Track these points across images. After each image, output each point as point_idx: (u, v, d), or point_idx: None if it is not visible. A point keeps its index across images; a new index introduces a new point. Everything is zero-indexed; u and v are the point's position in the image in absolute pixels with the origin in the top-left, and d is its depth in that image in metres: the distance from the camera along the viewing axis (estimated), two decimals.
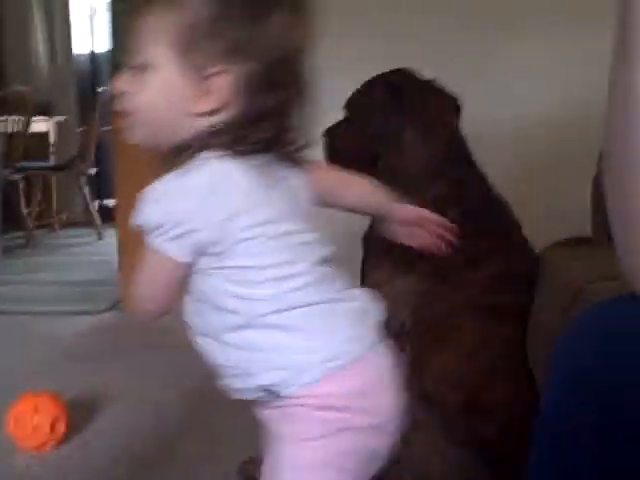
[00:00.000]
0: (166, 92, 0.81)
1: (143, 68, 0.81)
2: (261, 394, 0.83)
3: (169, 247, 0.80)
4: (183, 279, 0.84)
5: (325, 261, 0.85)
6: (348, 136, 1.50)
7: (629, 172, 0.63)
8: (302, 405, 0.81)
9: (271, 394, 0.83)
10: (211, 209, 0.78)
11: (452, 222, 1.34)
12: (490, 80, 2.59)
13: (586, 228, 1.48)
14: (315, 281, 0.83)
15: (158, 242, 0.80)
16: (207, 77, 0.79)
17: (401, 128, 1.43)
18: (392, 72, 1.51)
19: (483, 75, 2.58)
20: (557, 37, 2.48)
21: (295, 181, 0.86)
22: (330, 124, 1.54)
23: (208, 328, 0.85)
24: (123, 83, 0.83)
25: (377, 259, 1.41)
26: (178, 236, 0.79)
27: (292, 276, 0.81)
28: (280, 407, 0.83)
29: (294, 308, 0.81)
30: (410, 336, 1.34)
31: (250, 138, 0.80)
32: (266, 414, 0.87)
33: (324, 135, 1.53)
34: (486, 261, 1.35)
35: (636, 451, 0.61)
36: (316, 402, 0.80)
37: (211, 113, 0.80)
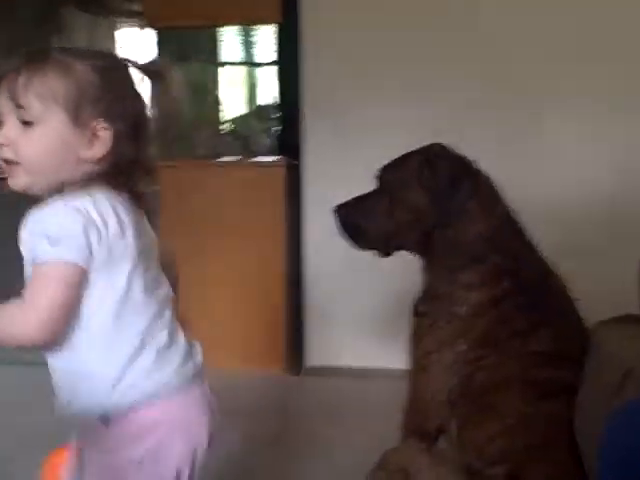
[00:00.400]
0: (54, 144, 0.93)
1: (29, 123, 0.92)
2: None
3: None
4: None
5: None
6: (394, 209, 1.49)
7: None
8: None
9: None
10: None
11: (506, 292, 1.36)
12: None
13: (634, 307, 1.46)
14: None
15: None
16: (92, 131, 0.93)
17: (467, 200, 1.43)
18: (433, 147, 1.50)
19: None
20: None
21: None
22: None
23: None
24: (7, 136, 0.92)
25: (428, 326, 1.41)
26: None
27: None
28: None
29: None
30: (456, 406, 1.34)
31: (121, 180, 0.96)
32: None
33: (342, 213, 1.54)
34: (536, 334, 1.35)
35: None
36: None
37: (96, 160, 0.94)
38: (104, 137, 0.94)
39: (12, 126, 0.92)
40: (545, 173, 2.62)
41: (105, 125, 0.94)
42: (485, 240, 1.39)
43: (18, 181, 0.94)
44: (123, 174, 0.96)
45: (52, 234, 0.88)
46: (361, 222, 1.51)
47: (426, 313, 1.43)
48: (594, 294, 2.18)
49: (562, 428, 1.25)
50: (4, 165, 0.94)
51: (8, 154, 0.93)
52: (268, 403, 2.41)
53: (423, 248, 1.46)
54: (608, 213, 2.48)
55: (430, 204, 1.42)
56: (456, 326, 1.37)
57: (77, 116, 0.92)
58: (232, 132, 3.84)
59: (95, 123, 0.93)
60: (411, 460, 1.28)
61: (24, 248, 0.92)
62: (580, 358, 1.33)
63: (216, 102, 6.55)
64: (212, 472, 1.26)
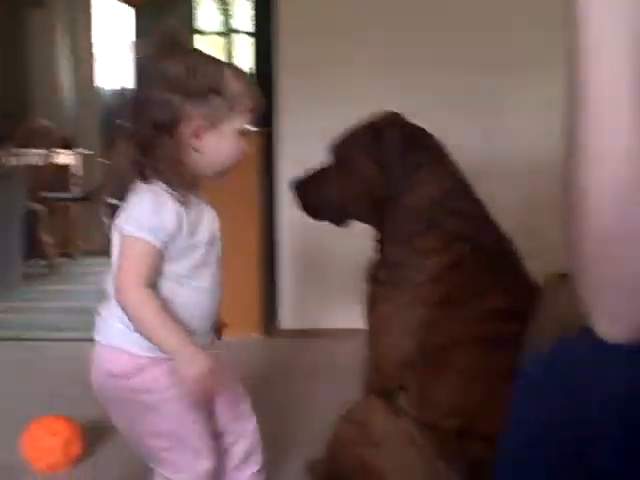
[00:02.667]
0: None
1: None
2: None
3: None
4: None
5: None
6: (345, 181, 1.52)
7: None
8: None
9: None
10: None
11: (462, 256, 1.40)
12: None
13: None
14: None
15: None
16: None
17: (416, 167, 1.46)
18: (384, 117, 1.52)
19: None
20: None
21: None
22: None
23: None
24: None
25: (385, 293, 1.45)
26: None
27: None
28: None
29: None
30: (414, 366, 1.39)
31: None
32: None
33: (298, 187, 1.58)
34: (490, 293, 1.39)
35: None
36: None
37: None
38: None
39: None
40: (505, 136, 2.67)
41: None
42: (438, 205, 1.43)
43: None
44: None
45: None
46: (314, 195, 1.54)
47: (384, 281, 1.47)
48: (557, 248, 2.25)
49: (513, 380, 1.30)
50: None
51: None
52: (246, 364, 2.48)
53: (376, 218, 1.50)
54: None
55: (379, 175, 1.45)
56: (413, 292, 1.41)
57: None
58: None
59: None
60: (371, 413, 1.33)
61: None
62: (532, 313, 1.38)
63: None
64: None
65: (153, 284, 1.16)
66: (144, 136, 1.14)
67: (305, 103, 2.88)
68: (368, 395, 1.42)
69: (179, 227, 1.16)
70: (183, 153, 1.16)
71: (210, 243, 1.24)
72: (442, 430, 1.28)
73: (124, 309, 1.14)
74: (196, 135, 1.16)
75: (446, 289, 1.40)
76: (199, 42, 6.34)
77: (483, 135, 2.66)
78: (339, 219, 1.57)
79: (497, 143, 2.67)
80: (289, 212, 2.89)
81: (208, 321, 1.27)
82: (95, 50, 5.98)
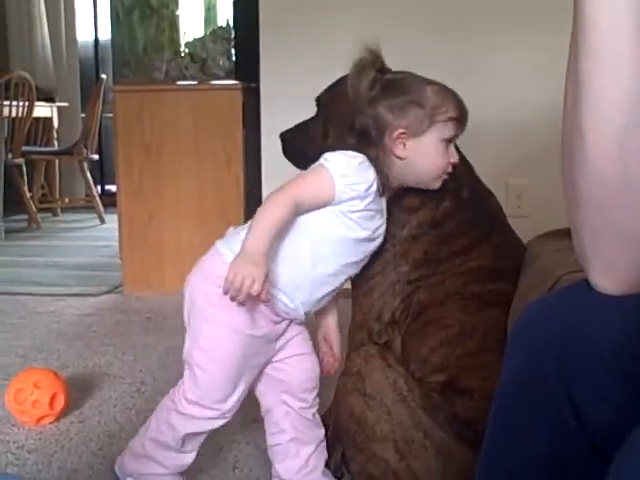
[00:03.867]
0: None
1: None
2: None
3: None
4: None
5: None
6: (329, 132, 1.49)
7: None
8: None
9: None
10: None
11: (447, 213, 1.40)
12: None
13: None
14: None
15: None
16: None
17: None
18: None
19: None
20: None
21: None
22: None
23: None
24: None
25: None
26: None
27: None
28: None
29: None
30: (400, 324, 1.40)
31: None
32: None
33: (288, 137, 1.56)
34: (476, 250, 1.40)
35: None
36: None
37: None
38: None
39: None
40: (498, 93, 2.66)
41: None
42: None
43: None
44: None
45: None
46: (301, 145, 1.53)
47: None
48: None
49: (498, 336, 1.32)
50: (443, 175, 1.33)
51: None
52: None
53: None
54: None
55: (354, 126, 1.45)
56: (398, 248, 1.41)
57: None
58: (190, 55, 3.78)
59: None
60: (364, 363, 1.34)
61: None
62: (517, 271, 1.40)
63: (173, 25, 6.36)
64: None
65: (299, 212, 1.24)
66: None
67: (288, 56, 2.84)
68: (362, 348, 1.42)
69: (362, 195, 1.25)
70: (389, 161, 1.28)
71: (362, 241, 1.30)
72: (427, 385, 1.29)
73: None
74: (399, 143, 1.27)
75: (430, 246, 1.41)
76: None
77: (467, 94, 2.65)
78: None
79: (482, 102, 2.66)
80: (275, 168, 2.88)
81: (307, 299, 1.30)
82: (75, 1, 5.83)
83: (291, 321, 1.35)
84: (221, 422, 1.32)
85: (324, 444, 1.41)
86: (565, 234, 1.49)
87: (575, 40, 0.67)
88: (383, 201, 1.32)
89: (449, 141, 1.29)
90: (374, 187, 1.26)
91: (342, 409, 1.33)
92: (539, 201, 2.69)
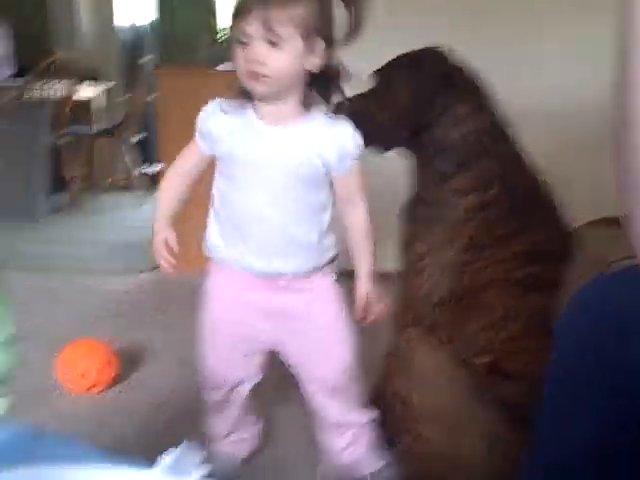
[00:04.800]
0: (294, 63, 1.18)
1: (275, 44, 1.15)
2: None
3: None
4: None
5: None
6: (383, 106, 1.52)
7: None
8: None
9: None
10: None
11: (494, 198, 1.41)
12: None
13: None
14: None
15: None
16: (313, 48, 1.19)
17: (452, 102, 1.46)
18: (427, 51, 1.53)
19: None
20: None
21: None
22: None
23: None
24: (260, 53, 1.16)
25: (420, 231, 1.47)
26: None
27: None
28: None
29: None
30: (446, 306, 1.41)
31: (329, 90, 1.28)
32: None
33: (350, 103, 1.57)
34: (520, 236, 1.41)
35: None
36: None
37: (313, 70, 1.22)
38: (320, 52, 1.20)
39: (261, 46, 1.16)
40: (544, 77, 2.63)
41: (322, 43, 1.19)
42: (472, 144, 1.43)
43: (262, 89, 1.20)
44: (329, 80, 1.25)
45: None
46: (357, 118, 1.54)
47: (417, 218, 1.48)
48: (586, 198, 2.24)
49: (543, 320, 1.33)
50: (252, 75, 1.18)
51: (260, 69, 1.17)
52: None
53: (414, 148, 1.50)
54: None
55: (412, 105, 1.46)
56: (446, 231, 1.42)
57: (309, 41, 1.18)
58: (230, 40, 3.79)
59: (317, 43, 1.18)
60: (412, 345, 1.36)
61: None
62: (562, 256, 1.40)
63: (211, 10, 6.37)
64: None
65: None
66: None
67: None
68: (407, 330, 1.44)
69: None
70: None
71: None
72: (472, 367, 1.31)
73: None
74: None
75: (476, 231, 1.42)
76: None
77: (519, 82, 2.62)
78: (379, 145, 1.56)
79: (536, 90, 2.63)
80: None
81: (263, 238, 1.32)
82: None
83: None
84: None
85: (371, 425, 1.43)
86: (614, 222, 1.49)
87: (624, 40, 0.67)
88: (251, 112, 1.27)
89: (241, 42, 1.19)
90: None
91: (388, 390, 1.35)
92: (582, 189, 2.65)
